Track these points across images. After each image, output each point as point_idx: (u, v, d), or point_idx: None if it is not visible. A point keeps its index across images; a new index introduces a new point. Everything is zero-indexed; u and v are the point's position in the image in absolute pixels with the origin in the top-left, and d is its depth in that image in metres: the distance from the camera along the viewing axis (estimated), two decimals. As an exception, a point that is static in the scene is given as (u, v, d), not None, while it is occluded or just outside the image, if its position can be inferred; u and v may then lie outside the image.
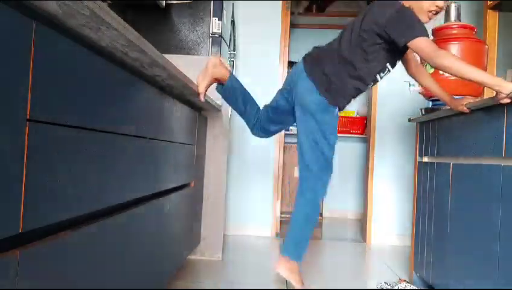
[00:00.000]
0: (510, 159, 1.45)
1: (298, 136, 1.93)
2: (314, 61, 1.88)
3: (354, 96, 1.94)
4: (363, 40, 1.76)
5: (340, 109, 1.95)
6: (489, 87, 1.54)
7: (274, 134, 2.20)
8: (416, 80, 2.07)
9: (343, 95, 1.88)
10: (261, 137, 2.20)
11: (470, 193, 1.72)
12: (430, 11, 1.76)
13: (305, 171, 1.91)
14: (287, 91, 1.98)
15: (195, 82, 1.88)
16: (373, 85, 1.95)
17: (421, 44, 1.63)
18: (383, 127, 3.52)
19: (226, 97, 2.13)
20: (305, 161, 1.90)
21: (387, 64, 1.85)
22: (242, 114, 2.13)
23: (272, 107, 2.07)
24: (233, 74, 2.18)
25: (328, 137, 1.87)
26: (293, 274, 1.93)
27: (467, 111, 1.75)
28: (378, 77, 1.88)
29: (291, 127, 4.55)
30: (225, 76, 2.02)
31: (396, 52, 1.82)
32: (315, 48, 1.95)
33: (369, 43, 1.76)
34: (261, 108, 2.13)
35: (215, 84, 2.08)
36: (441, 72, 2.00)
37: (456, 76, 1.64)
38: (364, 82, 1.86)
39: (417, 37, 1.63)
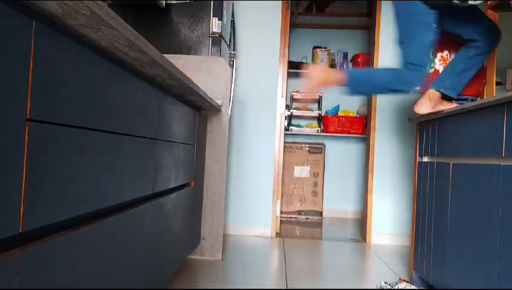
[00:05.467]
0: (510, 159, 1.45)
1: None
2: None
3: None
4: None
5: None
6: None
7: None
8: None
9: None
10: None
11: (470, 193, 1.72)
12: None
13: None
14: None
15: (195, 82, 1.88)
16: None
17: None
18: (383, 126, 3.52)
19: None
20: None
21: None
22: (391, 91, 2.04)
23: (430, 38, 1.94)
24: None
25: None
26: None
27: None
28: None
29: (290, 127, 4.56)
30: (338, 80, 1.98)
31: None
32: None
33: None
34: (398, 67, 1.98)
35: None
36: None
37: None
38: None
39: None
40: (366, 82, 1.98)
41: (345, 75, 1.97)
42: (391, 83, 1.95)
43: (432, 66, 2.21)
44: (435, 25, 1.90)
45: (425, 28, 1.88)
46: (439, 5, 1.85)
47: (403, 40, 1.93)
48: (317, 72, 2.02)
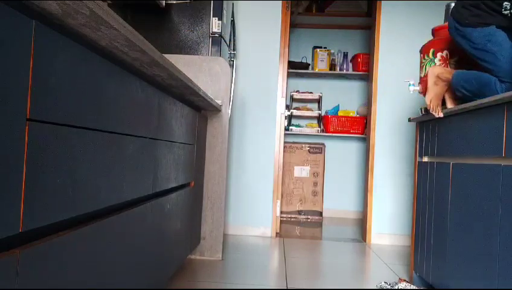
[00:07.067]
0: (510, 159, 1.45)
1: None
2: None
3: None
4: None
5: None
6: None
7: None
8: None
9: None
10: None
11: (470, 193, 1.72)
12: None
13: None
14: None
15: (195, 82, 1.88)
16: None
17: None
18: (382, 126, 3.52)
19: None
20: None
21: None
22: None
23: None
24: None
25: None
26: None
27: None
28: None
29: (290, 127, 4.56)
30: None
31: None
32: None
33: None
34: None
35: None
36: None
37: None
38: None
39: None
40: (471, 78, 1.95)
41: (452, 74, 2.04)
42: (491, 84, 1.88)
43: (432, 66, 2.21)
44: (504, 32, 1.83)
45: (498, 42, 1.82)
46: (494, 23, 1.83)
47: (490, 62, 1.86)
48: (436, 69, 2.13)
